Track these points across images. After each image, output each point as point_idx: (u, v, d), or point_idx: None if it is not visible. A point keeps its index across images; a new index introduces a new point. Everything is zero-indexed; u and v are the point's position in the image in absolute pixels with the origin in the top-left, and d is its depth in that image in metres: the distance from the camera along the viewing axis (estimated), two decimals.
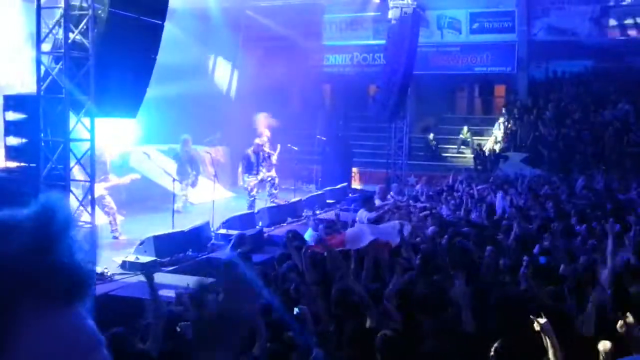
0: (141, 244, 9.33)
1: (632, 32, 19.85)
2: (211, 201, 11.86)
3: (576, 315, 4.55)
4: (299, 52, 21.84)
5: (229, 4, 19.20)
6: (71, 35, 7.30)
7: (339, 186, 16.20)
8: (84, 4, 7.36)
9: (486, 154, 19.33)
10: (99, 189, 10.47)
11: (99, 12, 7.30)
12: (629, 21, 19.77)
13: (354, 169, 19.28)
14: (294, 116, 21.50)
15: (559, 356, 3.57)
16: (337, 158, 17.97)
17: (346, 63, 22.61)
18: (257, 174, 13.76)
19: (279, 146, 14.09)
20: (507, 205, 10.14)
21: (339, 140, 19.10)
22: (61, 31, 7.30)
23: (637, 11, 19.71)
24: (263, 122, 14.02)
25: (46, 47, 7.64)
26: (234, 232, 10.01)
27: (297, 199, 14.02)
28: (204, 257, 9.64)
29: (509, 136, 19.59)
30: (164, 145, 15.49)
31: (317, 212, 13.07)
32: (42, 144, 7.41)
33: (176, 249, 9.57)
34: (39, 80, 7.36)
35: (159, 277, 6.98)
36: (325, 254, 6.35)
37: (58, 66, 7.35)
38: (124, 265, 8.83)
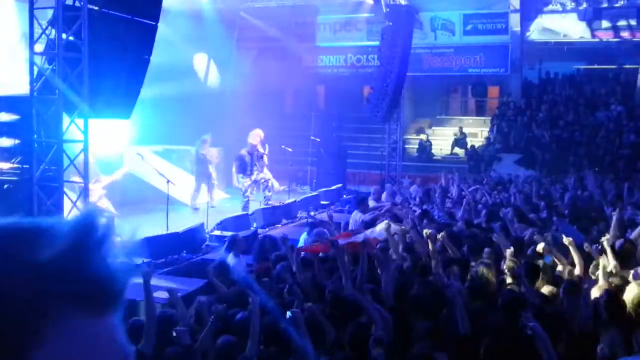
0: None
1: (625, 34, 19.92)
2: (205, 202, 11.82)
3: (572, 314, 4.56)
4: (293, 54, 21.83)
5: (222, 5, 19.15)
6: (64, 36, 7.26)
7: (333, 187, 16.18)
8: (77, 4, 7.33)
9: (480, 155, 19.37)
10: (97, 191, 10.42)
11: (93, 12, 7.28)
12: (621, 23, 19.83)
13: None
14: (288, 117, 21.52)
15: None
16: (331, 159, 17.96)
17: (340, 64, 22.58)
18: (251, 174, 13.73)
19: (267, 146, 14.02)
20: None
21: (333, 142, 19.09)
22: (54, 32, 7.26)
23: (630, 13, 19.78)
24: (256, 137, 13.90)
25: (39, 47, 7.60)
26: (229, 234, 9.98)
27: (291, 200, 14.01)
28: (198, 258, 9.60)
29: (502, 137, 19.64)
30: (157, 146, 15.42)
31: (312, 213, 13.03)
32: (35, 145, 7.37)
33: (170, 250, 9.53)
34: (32, 81, 7.32)
35: (152, 279, 6.94)
36: (321, 254, 6.34)
37: (51, 67, 7.31)
38: None
